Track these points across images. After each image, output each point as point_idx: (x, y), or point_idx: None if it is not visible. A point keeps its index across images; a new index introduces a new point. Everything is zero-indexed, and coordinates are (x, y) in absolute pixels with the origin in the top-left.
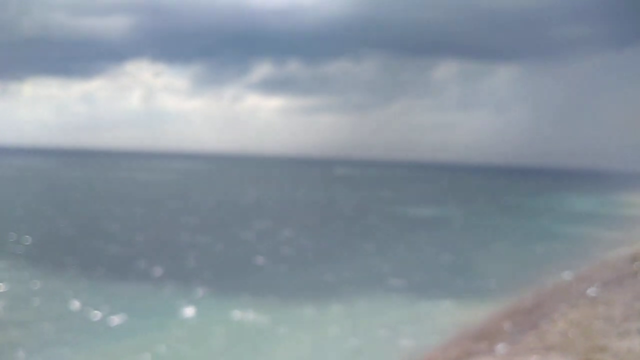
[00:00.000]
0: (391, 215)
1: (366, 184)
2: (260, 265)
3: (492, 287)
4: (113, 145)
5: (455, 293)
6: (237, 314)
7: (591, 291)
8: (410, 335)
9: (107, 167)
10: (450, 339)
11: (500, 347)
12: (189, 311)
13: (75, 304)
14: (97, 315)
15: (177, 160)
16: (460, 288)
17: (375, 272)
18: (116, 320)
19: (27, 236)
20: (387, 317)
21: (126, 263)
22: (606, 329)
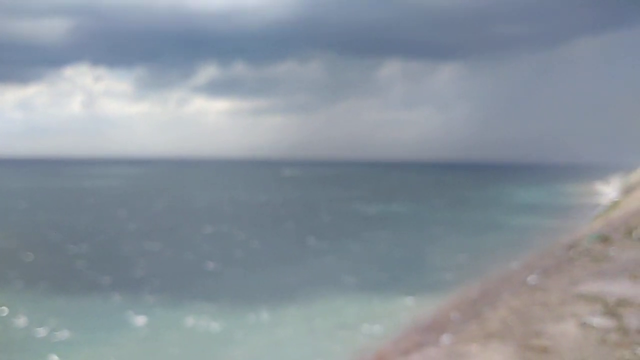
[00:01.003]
0: (343, 214)
1: (316, 183)
2: (211, 270)
3: (442, 280)
4: (53, 153)
5: (407, 287)
6: (189, 321)
7: (531, 279)
8: (364, 332)
9: (48, 175)
10: (402, 333)
11: (445, 338)
12: (140, 320)
13: (19, 321)
14: (41, 331)
15: (122, 166)
16: (412, 282)
17: (329, 271)
18: (63, 335)
19: None
20: (341, 315)
21: (72, 274)
22: (543, 315)
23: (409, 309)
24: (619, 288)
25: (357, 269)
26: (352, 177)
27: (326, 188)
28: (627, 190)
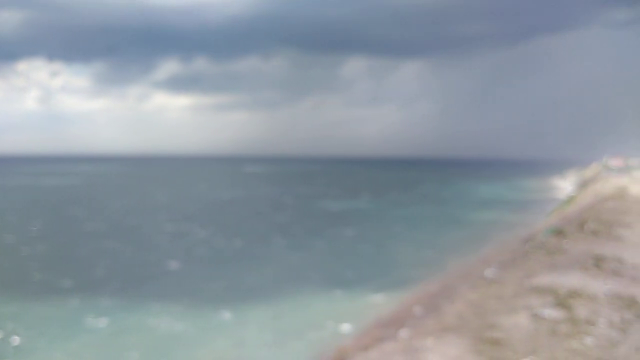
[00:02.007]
0: (307, 211)
1: (280, 180)
2: (173, 270)
3: (405, 275)
4: (7, 150)
5: (371, 283)
6: (151, 322)
7: (489, 272)
8: (328, 329)
9: (2, 173)
10: (365, 328)
11: (403, 332)
12: (99, 323)
13: None
14: None
15: (81, 163)
16: (377, 278)
17: (293, 269)
18: (15, 341)
19: None
20: (306, 312)
21: (26, 277)
22: (497, 307)
23: (372, 305)
24: (570, 280)
25: (322, 266)
26: (316, 173)
27: (290, 185)
28: (582, 185)
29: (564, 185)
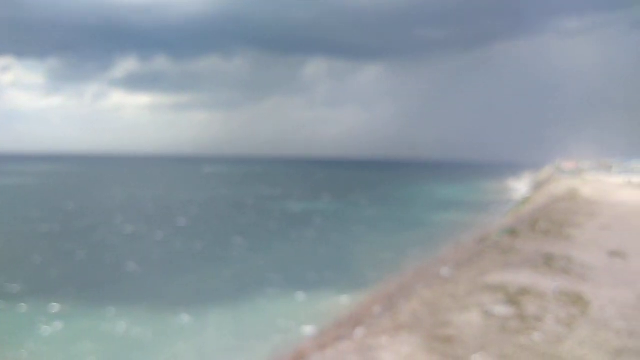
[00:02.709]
0: (268, 212)
1: (240, 181)
2: (131, 272)
3: (365, 275)
4: None
5: (332, 284)
6: (107, 326)
7: (444, 271)
8: (289, 330)
9: None
10: (323, 328)
11: (359, 331)
12: (52, 328)
13: None
14: None
15: (34, 162)
16: (337, 279)
17: (254, 271)
18: None
19: None
20: (266, 313)
21: None
22: (451, 305)
23: (332, 306)
24: (521, 278)
25: (283, 267)
26: (277, 174)
27: (251, 186)
28: (536, 187)
29: (519, 186)
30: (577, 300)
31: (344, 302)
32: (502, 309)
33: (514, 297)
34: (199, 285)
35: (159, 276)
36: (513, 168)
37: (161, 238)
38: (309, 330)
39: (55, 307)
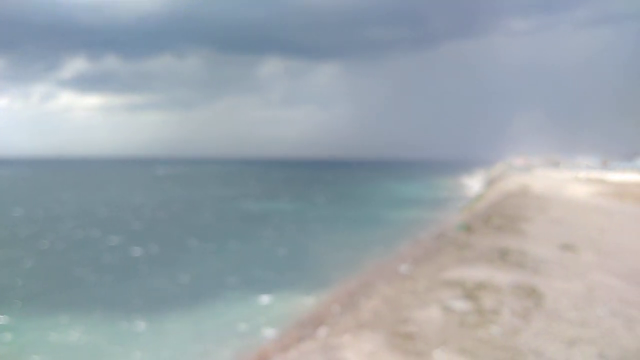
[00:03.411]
0: (225, 213)
1: (196, 182)
2: (82, 279)
3: (325, 275)
4: None
5: (292, 284)
6: (57, 337)
7: (403, 268)
8: (249, 332)
9: None
10: (286, 329)
11: (321, 331)
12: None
13: None
14: None
15: None
16: (297, 279)
17: (212, 273)
18: None
19: None
20: (226, 317)
21: None
22: (411, 302)
23: (293, 306)
24: (477, 273)
25: (242, 269)
26: (234, 175)
27: (207, 187)
28: (489, 183)
29: (473, 183)
30: (532, 293)
31: (305, 302)
32: (460, 304)
33: (471, 292)
34: (155, 291)
35: (113, 282)
36: (466, 165)
37: (115, 243)
38: (270, 332)
39: (1, 317)
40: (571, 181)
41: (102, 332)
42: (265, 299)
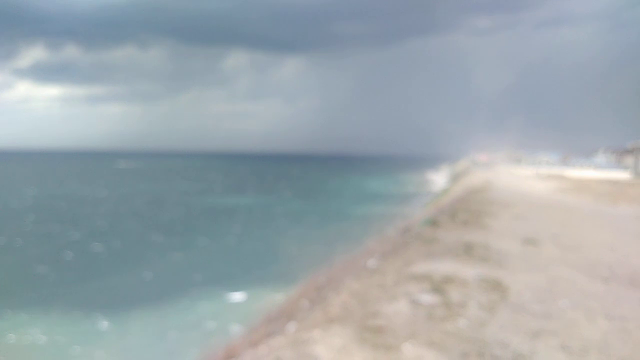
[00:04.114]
0: (190, 207)
1: (159, 176)
2: (43, 275)
3: (293, 269)
4: None
5: (259, 279)
6: (16, 336)
7: (371, 263)
8: (216, 330)
9: None
10: (253, 325)
11: (291, 326)
12: None
13: None
14: None
15: None
16: (264, 274)
17: (177, 269)
18: None
19: None
20: (192, 315)
21: None
22: (379, 296)
23: (261, 301)
24: (444, 267)
25: (208, 265)
26: (199, 169)
27: (171, 181)
28: (454, 179)
29: (438, 179)
30: (497, 286)
31: (273, 297)
32: (428, 298)
33: (438, 286)
34: (119, 288)
35: (75, 279)
36: (431, 161)
37: (76, 238)
38: (238, 328)
39: None
40: (532, 177)
41: (63, 332)
42: (232, 295)
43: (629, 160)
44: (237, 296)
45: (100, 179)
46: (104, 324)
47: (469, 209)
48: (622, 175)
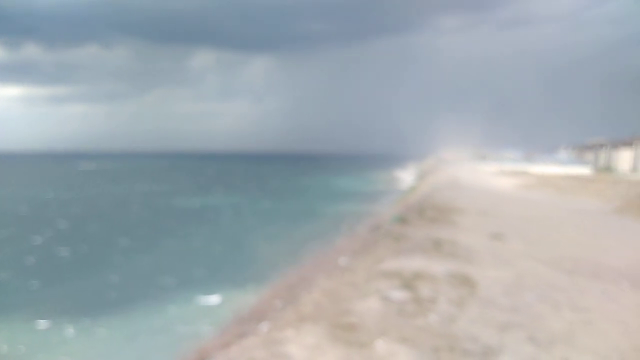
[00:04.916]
0: (157, 209)
1: (125, 177)
2: (3, 281)
3: (264, 270)
4: None
5: (229, 281)
6: None
7: (342, 261)
8: (187, 333)
9: None
10: (225, 326)
11: (263, 326)
12: None
13: None
14: None
15: None
16: (234, 275)
17: (145, 273)
18: None
19: None
20: (161, 319)
21: None
22: (351, 294)
23: (232, 303)
24: (414, 263)
25: (177, 268)
26: (165, 170)
27: (137, 182)
28: (421, 176)
29: (405, 176)
30: (465, 282)
31: (244, 298)
32: (399, 294)
33: (409, 282)
34: (85, 293)
35: (38, 285)
36: (399, 159)
37: (39, 242)
38: (208, 329)
39: None
40: (497, 174)
41: (26, 340)
42: (203, 298)
43: (589, 156)
44: (208, 299)
45: (62, 181)
46: (70, 331)
47: (436, 206)
48: (583, 170)
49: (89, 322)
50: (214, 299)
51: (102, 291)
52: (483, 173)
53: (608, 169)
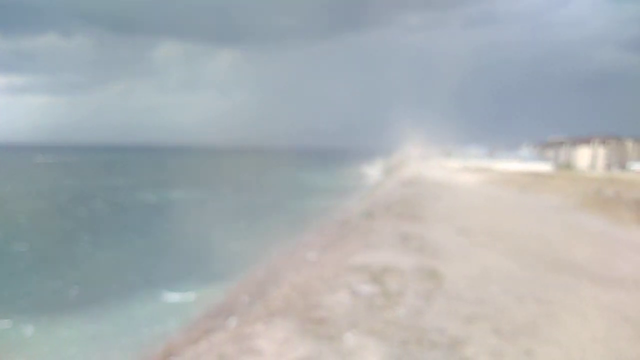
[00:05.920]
0: (119, 204)
1: (85, 171)
2: None
3: (231, 265)
4: None
5: (194, 277)
6: None
7: (311, 255)
8: (152, 331)
9: None
10: (192, 321)
11: (232, 321)
12: None
13: None
14: None
15: None
16: (200, 271)
17: (108, 270)
18: None
19: None
20: (126, 316)
21: None
22: (320, 288)
23: (199, 299)
24: (382, 258)
25: (142, 264)
26: (128, 163)
27: (98, 176)
28: (388, 172)
29: (373, 172)
30: (432, 275)
31: (212, 295)
32: (367, 288)
33: (377, 276)
34: (45, 291)
35: None
36: (366, 154)
37: None
38: (175, 326)
39: None
40: (462, 170)
41: None
42: (169, 295)
43: (550, 153)
44: (174, 296)
45: (19, 174)
46: (29, 330)
47: (403, 201)
48: (544, 167)
49: (49, 321)
50: (180, 296)
51: (64, 289)
52: (449, 169)
53: (568, 166)
